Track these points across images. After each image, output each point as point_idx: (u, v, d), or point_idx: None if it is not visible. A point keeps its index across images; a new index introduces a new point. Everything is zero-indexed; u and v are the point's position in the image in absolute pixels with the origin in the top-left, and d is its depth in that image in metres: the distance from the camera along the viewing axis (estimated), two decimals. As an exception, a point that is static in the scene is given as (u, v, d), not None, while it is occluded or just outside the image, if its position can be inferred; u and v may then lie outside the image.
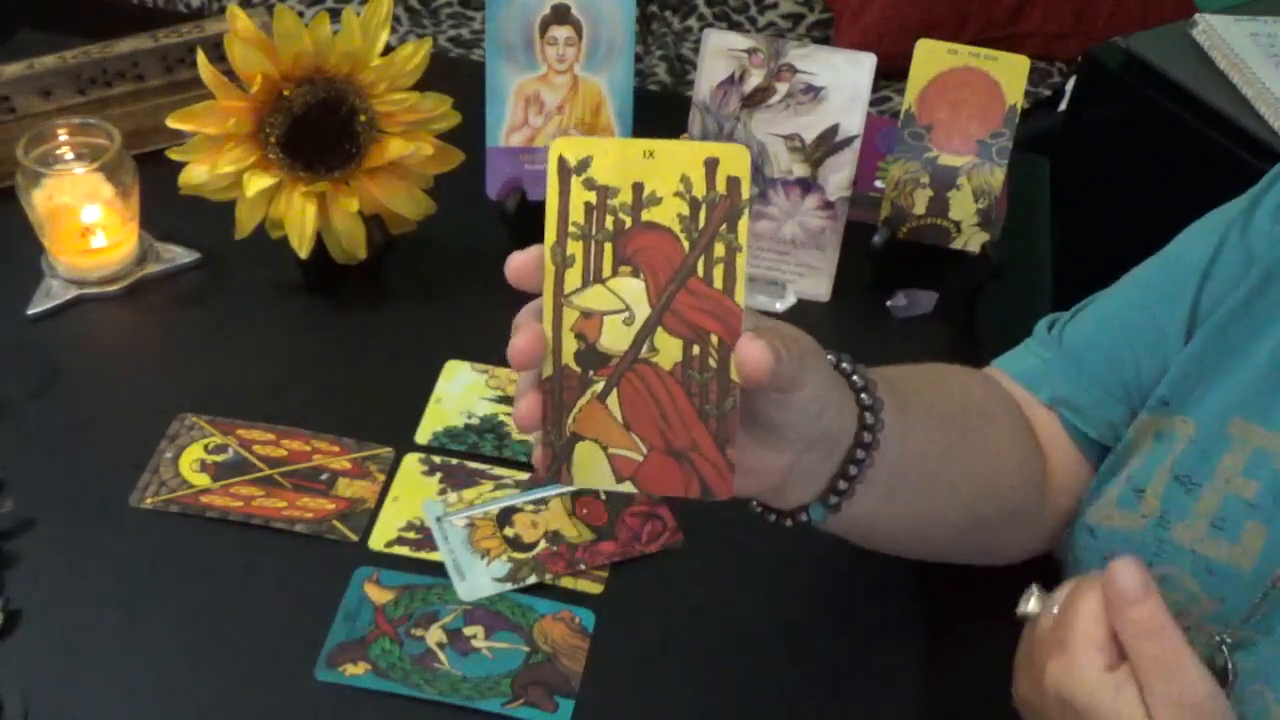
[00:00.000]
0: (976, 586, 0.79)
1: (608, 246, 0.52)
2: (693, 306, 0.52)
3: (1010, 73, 0.97)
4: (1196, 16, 1.62)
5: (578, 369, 0.53)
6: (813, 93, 0.97)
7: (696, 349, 0.53)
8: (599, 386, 0.53)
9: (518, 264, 0.53)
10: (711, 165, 0.52)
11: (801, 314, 1.01)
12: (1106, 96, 1.67)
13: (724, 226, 0.52)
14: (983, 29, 1.83)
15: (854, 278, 1.01)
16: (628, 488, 0.54)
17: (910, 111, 0.99)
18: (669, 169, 0.52)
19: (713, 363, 0.53)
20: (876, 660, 0.78)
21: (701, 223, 0.52)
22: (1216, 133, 1.51)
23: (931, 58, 0.98)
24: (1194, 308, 0.73)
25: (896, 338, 1.00)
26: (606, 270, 0.52)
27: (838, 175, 0.98)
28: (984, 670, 0.79)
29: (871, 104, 1.01)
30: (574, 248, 0.52)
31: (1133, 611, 0.56)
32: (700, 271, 0.52)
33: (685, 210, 0.52)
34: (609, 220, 0.52)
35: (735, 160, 0.52)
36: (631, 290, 0.53)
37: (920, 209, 1.01)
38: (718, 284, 0.52)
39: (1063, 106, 1.80)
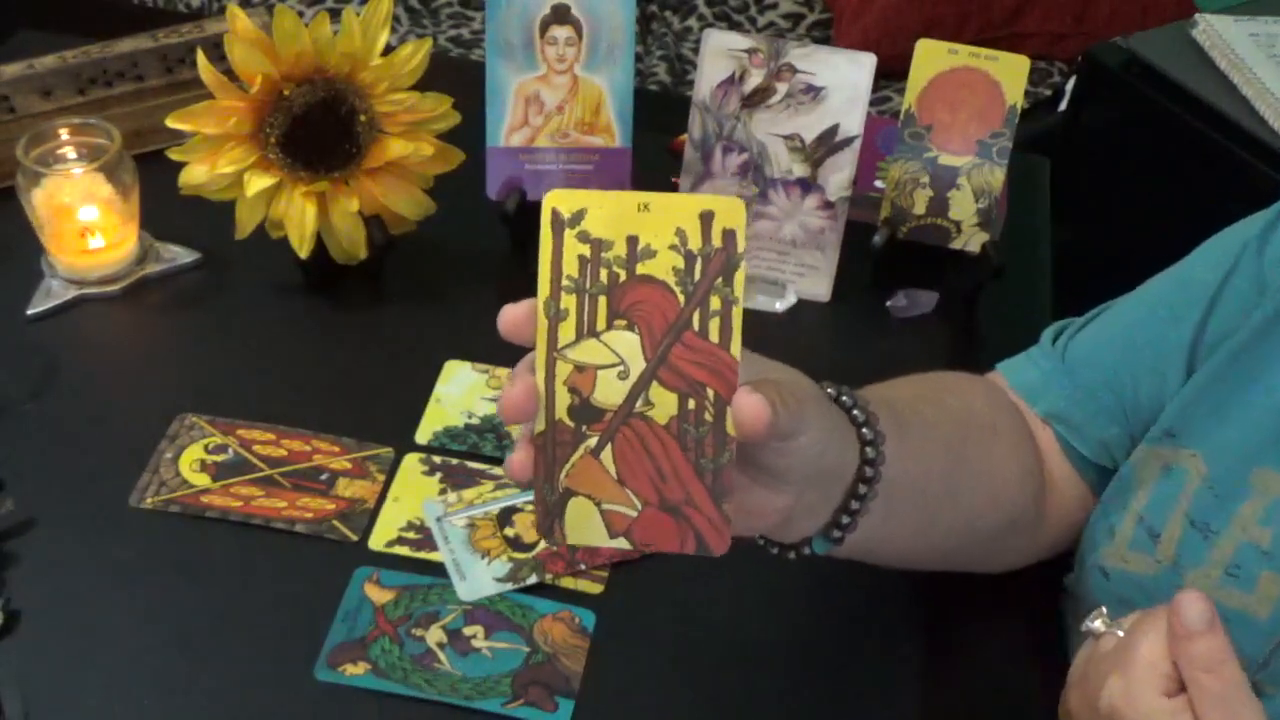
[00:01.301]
0: (976, 589, 0.79)
1: (602, 300, 0.52)
2: (688, 360, 0.52)
3: (1010, 73, 0.97)
4: (1196, 16, 1.62)
5: (571, 423, 0.53)
6: (813, 93, 0.97)
7: (692, 403, 0.52)
8: (593, 441, 0.53)
9: (510, 318, 0.53)
10: (707, 218, 0.52)
11: (801, 314, 1.01)
12: (1106, 96, 1.67)
13: (719, 279, 0.52)
14: (983, 29, 1.83)
15: (854, 278, 1.01)
16: (621, 544, 0.54)
17: (910, 111, 0.99)
18: (664, 222, 0.52)
19: (709, 416, 0.52)
20: (876, 660, 0.78)
21: (697, 276, 0.52)
22: (1216, 133, 1.51)
23: (931, 58, 0.98)
24: (1200, 331, 0.72)
25: (896, 338, 1.00)
26: (601, 324, 0.52)
27: (838, 175, 0.98)
28: (983, 671, 0.79)
29: (871, 104, 1.01)
30: (567, 301, 0.52)
31: (1196, 644, 0.56)
32: (696, 325, 0.52)
33: (680, 263, 0.52)
34: (603, 273, 0.52)
35: (731, 213, 0.52)
36: (626, 344, 0.52)
37: (920, 209, 1.00)
38: (713, 337, 0.52)
39: (1063, 106, 1.80)
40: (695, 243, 0.52)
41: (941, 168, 0.99)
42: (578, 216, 0.52)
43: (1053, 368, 0.77)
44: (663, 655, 0.76)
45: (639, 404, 0.52)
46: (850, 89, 0.97)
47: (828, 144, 0.98)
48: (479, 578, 0.79)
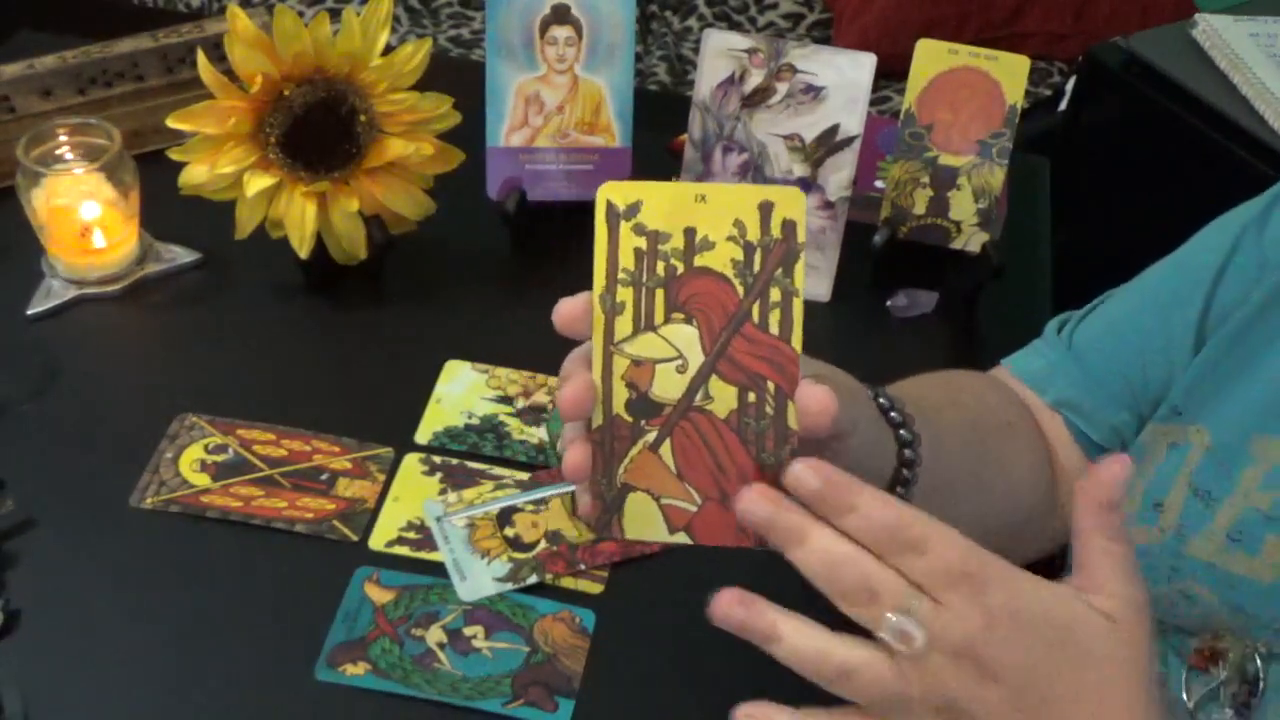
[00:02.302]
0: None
1: (659, 293, 0.52)
2: (748, 353, 0.51)
3: (1010, 73, 0.97)
4: (1196, 16, 1.62)
5: (629, 418, 0.52)
6: (813, 93, 0.97)
7: (752, 396, 0.51)
8: (651, 436, 0.52)
9: (566, 312, 0.52)
10: (766, 209, 0.51)
11: (801, 314, 1.00)
12: (1106, 96, 1.67)
13: (779, 270, 0.51)
14: (983, 29, 1.83)
15: (854, 278, 1.01)
16: (682, 539, 0.53)
17: (910, 111, 0.99)
18: (722, 213, 0.51)
19: (769, 410, 0.51)
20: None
21: (756, 267, 0.51)
22: (1216, 133, 1.51)
23: (931, 58, 0.98)
24: (1205, 312, 0.72)
25: (896, 338, 1.00)
26: (658, 317, 0.52)
27: (838, 175, 0.98)
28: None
29: (871, 104, 1.01)
30: (624, 294, 0.52)
31: (1116, 515, 0.51)
32: (756, 317, 0.51)
33: (739, 255, 0.51)
34: (660, 266, 0.51)
35: (791, 203, 0.51)
36: (684, 337, 0.52)
37: (920, 209, 1.00)
38: (774, 329, 0.51)
39: (1063, 106, 1.80)
40: (754, 234, 0.51)
41: (941, 168, 0.99)
42: (633, 209, 0.51)
43: (1059, 356, 0.78)
44: (663, 655, 0.76)
45: (698, 398, 0.52)
46: (850, 89, 0.97)
47: (828, 144, 0.98)
48: (479, 578, 0.79)
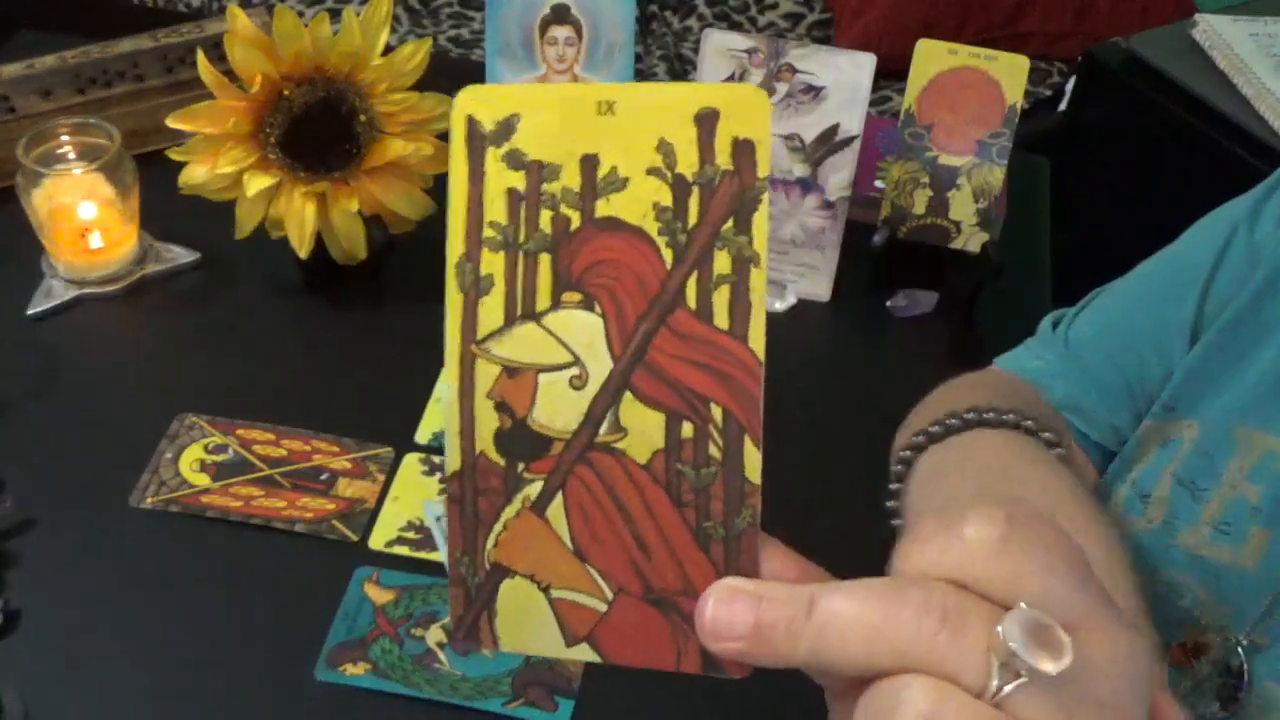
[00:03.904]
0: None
1: (544, 260, 0.34)
2: (680, 357, 0.33)
3: (1010, 73, 0.97)
4: (1196, 16, 1.62)
5: (499, 460, 0.34)
6: (813, 93, 0.97)
7: (688, 428, 0.33)
8: (534, 490, 0.34)
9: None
10: (708, 122, 0.33)
11: (801, 314, 1.01)
12: (1106, 96, 1.67)
13: (729, 223, 0.33)
14: (983, 29, 1.83)
15: (854, 278, 1.01)
16: (585, 654, 0.35)
17: (910, 111, 0.99)
18: (640, 132, 0.33)
19: (714, 450, 0.33)
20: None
21: (693, 218, 0.33)
22: (1216, 133, 1.51)
23: (931, 58, 0.98)
24: (1199, 308, 0.72)
25: (896, 338, 1.00)
26: (542, 299, 0.34)
27: (838, 175, 0.98)
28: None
29: (871, 104, 1.01)
30: (491, 262, 0.34)
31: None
32: (692, 300, 0.33)
33: (666, 198, 0.33)
34: (545, 218, 0.33)
35: (746, 111, 0.32)
36: (583, 331, 0.34)
37: (920, 209, 1.00)
38: (719, 319, 0.33)
39: (1063, 106, 1.80)
40: (689, 162, 0.33)
41: (941, 168, 0.99)
42: (506, 128, 0.33)
43: (1057, 357, 0.78)
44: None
45: (604, 429, 0.34)
46: (850, 89, 0.97)
47: (828, 144, 0.98)
48: (479, 578, 0.79)
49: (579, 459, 0.34)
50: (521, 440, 0.34)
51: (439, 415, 0.89)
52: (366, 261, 0.98)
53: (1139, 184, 1.63)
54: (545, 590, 0.35)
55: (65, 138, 0.97)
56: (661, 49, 1.90)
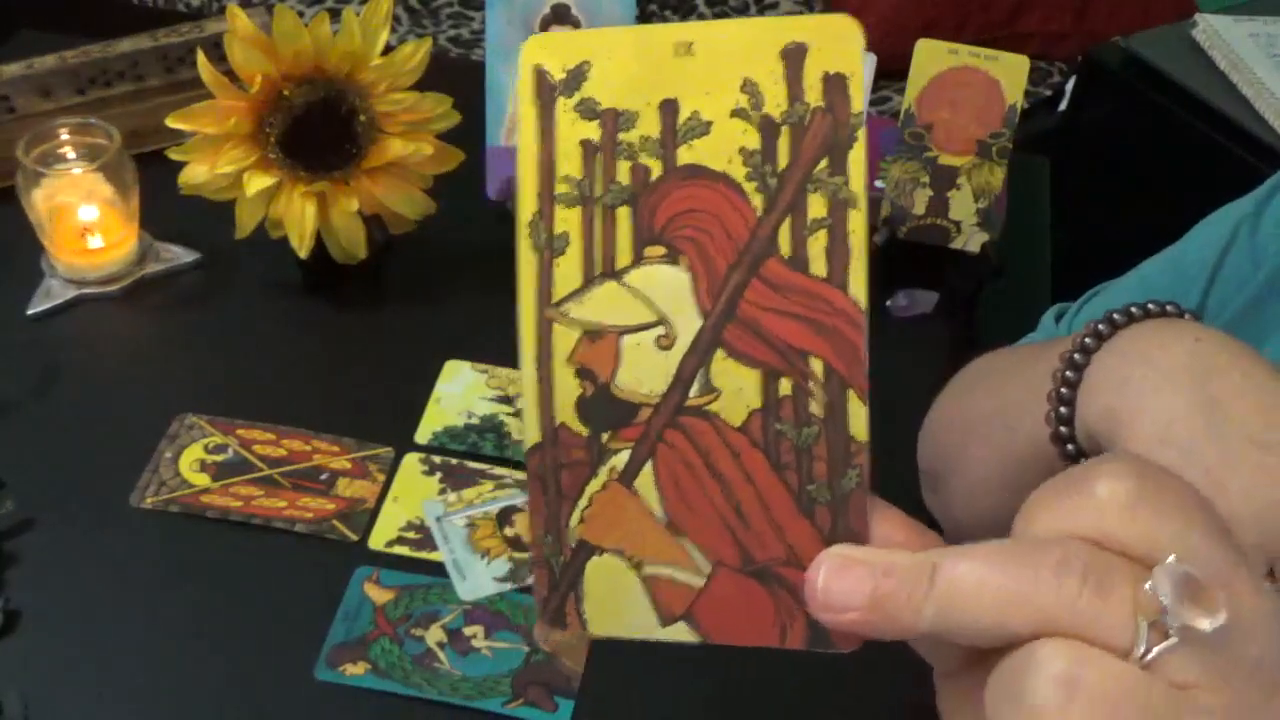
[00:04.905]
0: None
1: (623, 214, 0.32)
2: (775, 309, 0.31)
3: (1010, 73, 0.97)
4: (1196, 16, 1.62)
5: (583, 430, 0.33)
6: (813, 93, 0.97)
7: (786, 385, 0.31)
8: (621, 460, 0.32)
9: None
10: (795, 58, 0.31)
11: (801, 314, 1.00)
12: (1106, 96, 1.67)
13: (823, 163, 0.31)
14: (983, 29, 1.83)
15: (854, 278, 1.01)
16: (683, 634, 0.33)
17: (910, 111, 0.99)
18: (722, 72, 0.31)
19: (816, 407, 0.31)
20: (878, 659, 0.78)
21: (783, 162, 0.31)
22: (1216, 133, 1.51)
23: (931, 58, 0.98)
24: (1200, 308, 0.72)
25: (896, 338, 1.00)
26: (623, 256, 0.32)
27: (838, 175, 0.98)
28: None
29: (871, 104, 1.01)
30: (565, 219, 0.32)
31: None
32: (785, 248, 0.31)
33: (754, 142, 0.31)
34: (624, 169, 0.32)
35: (837, 43, 0.31)
36: (668, 287, 0.32)
37: (920, 209, 1.00)
38: (816, 267, 0.31)
39: (1063, 106, 1.80)
40: (777, 102, 0.31)
41: (941, 168, 0.99)
42: (577, 76, 0.32)
43: None
44: (663, 655, 0.76)
45: (694, 391, 0.32)
46: (850, 89, 0.96)
47: (828, 144, 0.98)
48: (479, 577, 0.79)
49: (669, 424, 0.32)
50: (605, 408, 0.32)
51: (439, 415, 0.89)
52: (366, 261, 0.98)
53: (1139, 184, 1.63)
54: (636, 567, 0.33)
55: (65, 138, 0.97)
56: (661, 49, 1.90)
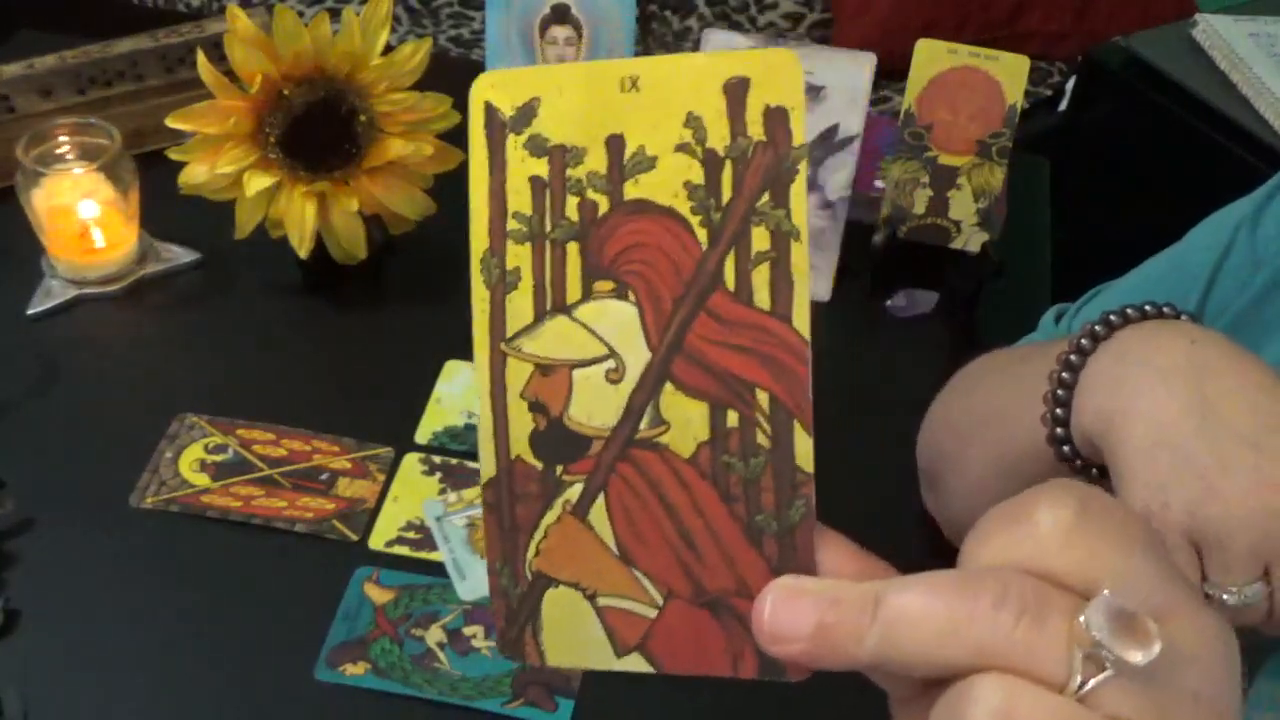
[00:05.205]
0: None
1: (572, 249, 0.32)
2: (721, 342, 0.32)
3: (1010, 73, 0.97)
4: (1196, 16, 1.62)
5: (535, 464, 0.33)
6: (813, 93, 0.97)
7: (733, 417, 0.32)
8: (574, 493, 0.33)
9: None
10: (737, 91, 0.31)
11: (801, 314, 1.00)
12: (1106, 96, 1.67)
13: (765, 197, 0.31)
14: (983, 29, 1.83)
15: (854, 278, 1.01)
16: (638, 665, 0.33)
17: (910, 111, 0.99)
18: (666, 106, 0.31)
19: (763, 439, 0.32)
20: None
21: (726, 195, 0.31)
22: (1216, 133, 1.51)
23: (931, 58, 0.98)
24: (1201, 309, 0.72)
25: (896, 338, 1.00)
26: (573, 291, 0.32)
27: (838, 175, 0.98)
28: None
29: (871, 104, 1.01)
30: (517, 255, 0.33)
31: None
32: (730, 281, 0.31)
33: (698, 176, 0.31)
34: (572, 204, 0.32)
35: (778, 76, 0.31)
36: (617, 321, 0.32)
37: (920, 209, 1.00)
38: (760, 300, 0.31)
39: (1063, 106, 1.80)
40: (720, 136, 0.31)
41: (941, 168, 0.99)
42: (526, 113, 0.32)
43: None
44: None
45: (644, 424, 0.32)
46: (850, 89, 0.97)
47: (828, 144, 0.98)
48: (479, 577, 0.79)
49: (620, 457, 0.32)
50: (558, 441, 0.33)
51: (439, 415, 0.89)
52: (366, 261, 0.98)
53: (1139, 184, 1.63)
54: (591, 599, 0.33)
55: (65, 138, 0.97)
56: (661, 49, 1.90)
